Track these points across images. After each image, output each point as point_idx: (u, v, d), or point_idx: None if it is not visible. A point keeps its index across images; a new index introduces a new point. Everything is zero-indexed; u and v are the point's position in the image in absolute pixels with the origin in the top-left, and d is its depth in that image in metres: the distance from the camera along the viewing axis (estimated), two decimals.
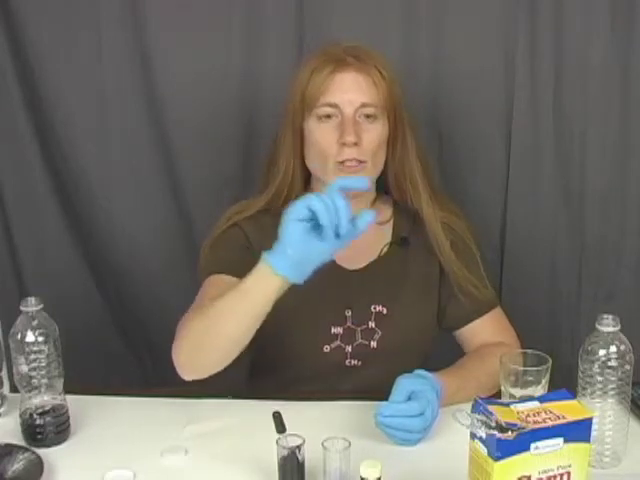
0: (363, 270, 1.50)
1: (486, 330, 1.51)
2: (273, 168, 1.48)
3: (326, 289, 1.44)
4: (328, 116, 1.41)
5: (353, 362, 1.46)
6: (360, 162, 1.40)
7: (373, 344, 1.46)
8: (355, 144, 1.39)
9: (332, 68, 1.40)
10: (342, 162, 1.40)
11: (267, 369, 1.55)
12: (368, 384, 1.44)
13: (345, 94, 1.40)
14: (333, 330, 1.46)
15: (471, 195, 1.81)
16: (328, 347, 1.46)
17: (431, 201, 1.48)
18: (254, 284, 1.20)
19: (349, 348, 1.46)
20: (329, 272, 1.47)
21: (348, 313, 1.47)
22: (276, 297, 1.20)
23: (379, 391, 1.28)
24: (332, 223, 1.13)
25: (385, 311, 1.47)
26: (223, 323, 1.25)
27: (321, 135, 1.42)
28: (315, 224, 1.14)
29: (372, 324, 1.47)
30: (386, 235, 1.53)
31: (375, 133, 1.42)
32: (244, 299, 1.22)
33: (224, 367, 1.29)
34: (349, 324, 1.46)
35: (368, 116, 1.41)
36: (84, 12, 1.77)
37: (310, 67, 1.42)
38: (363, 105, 1.40)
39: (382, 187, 1.53)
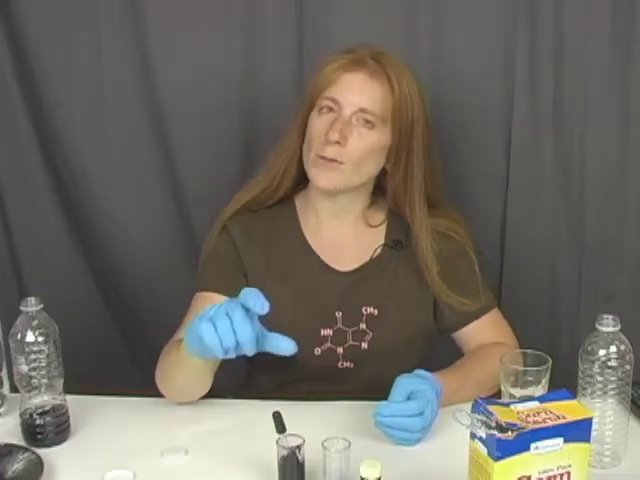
0: (355, 272, 1.49)
1: (484, 332, 1.50)
2: (276, 159, 1.49)
3: (316, 291, 1.43)
4: (329, 109, 1.41)
5: (345, 364, 1.46)
6: (338, 162, 1.39)
7: (364, 345, 1.46)
8: (337, 143, 1.38)
9: (345, 65, 1.40)
10: (321, 157, 1.39)
11: (263, 371, 1.54)
12: (362, 386, 1.44)
13: (348, 94, 1.40)
14: (323, 332, 1.45)
15: (471, 195, 1.81)
16: (319, 350, 1.45)
17: (425, 225, 1.45)
18: (186, 356, 1.24)
19: (340, 350, 1.46)
20: (320, 274, 1.47)
21: (338, 315, 1.46)
22: (211, 365, 1.27)
23: (378, 391, 1.28)
24: (230, 349, 1.10)
25: (376, 312, 1.47)
26: (174, 375, 1.32)
27: (315, 125, 1.41)
28: None
29: (363, 326, 1.46)
30: (379, 237, 1.52)
31: (367, 140, 1.40)
32: (182, 363, 1.27)
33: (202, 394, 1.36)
34: (339, 325, 1.45)
35: (366, 122, 1.40)
36: (84, 12, 1.76)
37: (328, 60, 1.42)
38: (362, 110, 1.39)
39: (379, 188, 1.53)
